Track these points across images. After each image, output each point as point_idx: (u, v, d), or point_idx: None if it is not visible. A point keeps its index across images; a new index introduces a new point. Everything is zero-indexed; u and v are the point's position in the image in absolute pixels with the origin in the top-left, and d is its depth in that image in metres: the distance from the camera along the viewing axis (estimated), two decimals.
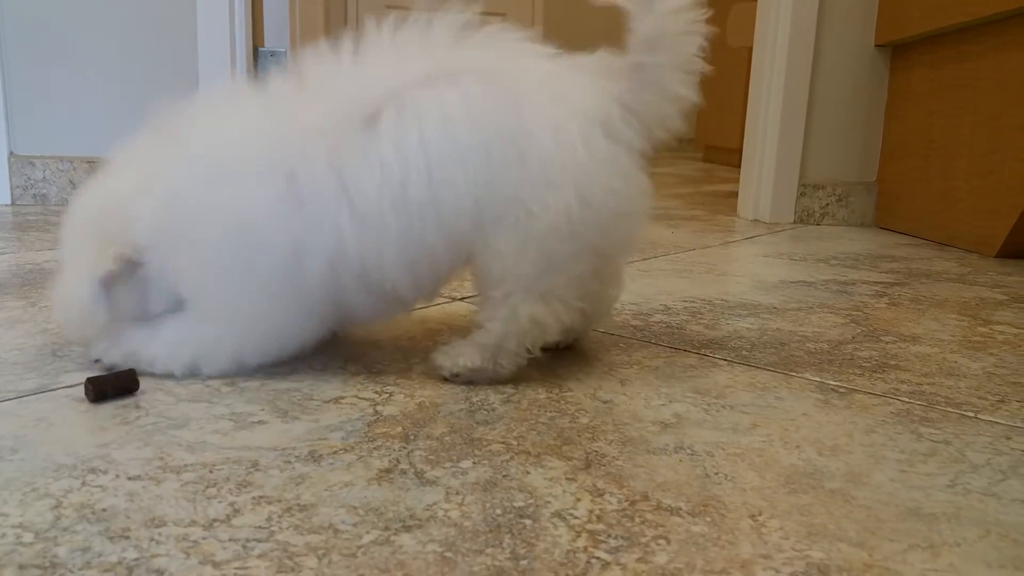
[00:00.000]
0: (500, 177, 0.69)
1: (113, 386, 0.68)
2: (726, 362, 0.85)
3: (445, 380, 0.76)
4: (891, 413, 0.72)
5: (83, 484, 0.54)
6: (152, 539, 0.47)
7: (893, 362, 0.87)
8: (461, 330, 0.93)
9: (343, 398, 0.71)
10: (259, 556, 0.46)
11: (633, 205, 0.74)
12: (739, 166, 2.19)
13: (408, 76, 0.71)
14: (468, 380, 0.75)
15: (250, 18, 1.84)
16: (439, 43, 0.73)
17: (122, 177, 0.76)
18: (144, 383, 0.72)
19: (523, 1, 4.75)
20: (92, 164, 1.82)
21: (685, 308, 1.08)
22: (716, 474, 0.58)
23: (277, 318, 0.75)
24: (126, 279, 0.73)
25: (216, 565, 0.45)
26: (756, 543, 0.49)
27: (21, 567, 0.44)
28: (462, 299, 1.08)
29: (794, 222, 2.00)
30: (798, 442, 0.64)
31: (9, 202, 1.82)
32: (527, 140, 0.69)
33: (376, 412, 0.68)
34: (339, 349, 0.85)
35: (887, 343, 0.94)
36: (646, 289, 1.19)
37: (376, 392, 0.73)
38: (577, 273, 0.73)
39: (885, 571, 0.46)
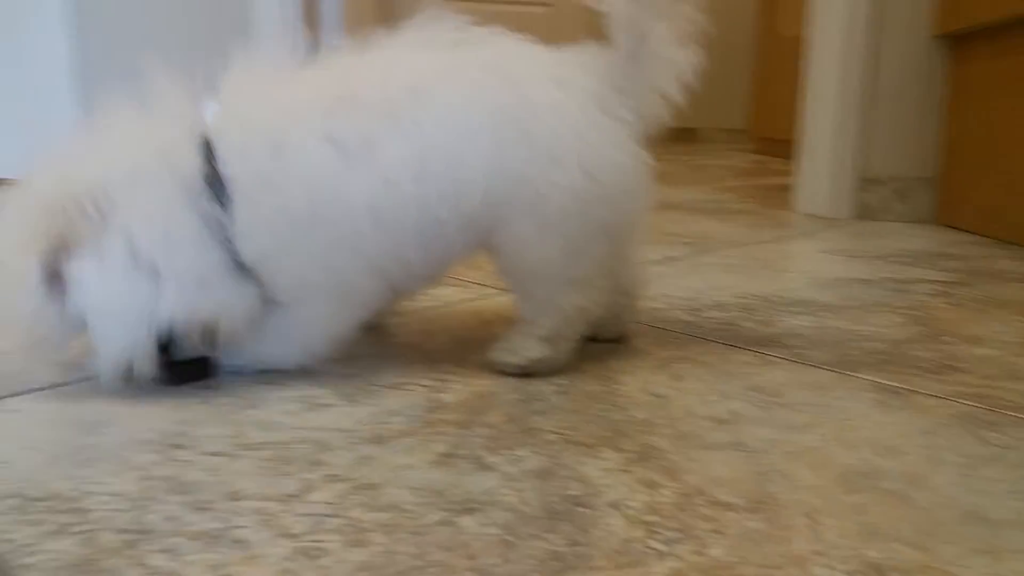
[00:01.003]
0: (506, 154, 0.72)
1: (186, 372, 0.71)
2: (782, 360, 0.85)
3: (505, 374, 0.78)
4: (951, 415, 0.71)
5: (167, 458, 0.57)
6: (232, 511, 0.50)
7: (954, 363, 0.86)
8: (515, 321, 0.94)
9: (403, 385, 0.73)
10: (331, 530, 0.48)
11: (637, 179, 0.76)
12: (793, 158, 2.17)
13: (423, 71, 0.74)
14: (531, 372, 0.77)
15: (304, 18, 1.88)
16: (447, 43, 0.76)
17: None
18: None
19: None
20: None
21: (738, 304, 1.08)
22: (771, 471, 0.59)
23: (355, 281, 0.73)
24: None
25: (292, 537, 0.47)
26: (811, 540, 0.50)
27: (118, 531, 0.47)
28: None
29: (851, 217, 1.98)
30: (855, 442, 0.65)
31: None
32: (530, 117, 0.72)
33: (434, 399, 0.70)
34: (396, 338, 0.87)
35: (948, 344, 0.93)
36: (698, 284, 1.19)
37: (434, 380, 0.75)
38: (598, 255, 0.76)
39: (944, 574, 0.47)
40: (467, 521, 0.50)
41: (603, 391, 0.74)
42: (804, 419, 0.69)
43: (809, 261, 1.42)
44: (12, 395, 0.68)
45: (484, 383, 0.74)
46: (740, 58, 4.87)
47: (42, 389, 0.69)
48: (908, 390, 0.78)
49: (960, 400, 0.75)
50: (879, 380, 0.80)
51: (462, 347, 0.85)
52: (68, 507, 0.50)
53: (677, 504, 0.53)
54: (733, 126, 5.15)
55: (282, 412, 0.66)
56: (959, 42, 1.91)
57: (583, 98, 0.75)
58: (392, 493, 0.53)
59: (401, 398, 0.70)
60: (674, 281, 1.20)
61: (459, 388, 0.73)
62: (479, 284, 1.11)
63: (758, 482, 0.57)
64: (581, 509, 0.52)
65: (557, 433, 0.64)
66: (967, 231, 1.86)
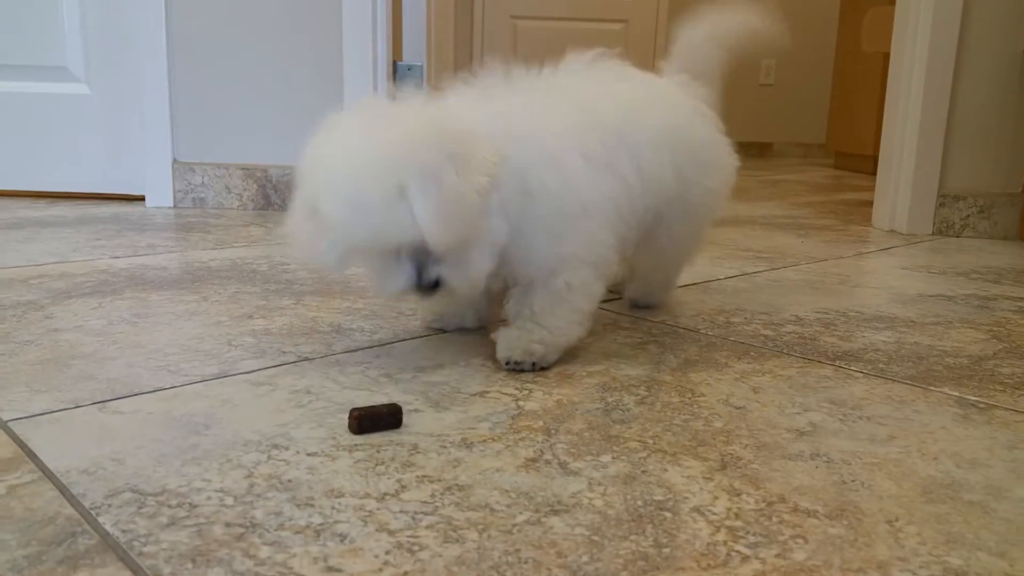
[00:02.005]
0: (680, 162, 0.92)
1: (376, 422, 0.66)
2: (862, 374, 0.85)
3: (581, 377, 0.80)
4: None
5: (269, 458, 0.61)
6: (333, 507, 0.53)
7: None
8: (591, 333, 0.96)
9: (487, 392, 0.76)
10: (427, 527, 0.51)
11: (731, 182, 1.03)
12: (872, 173, 2.13)
13: (626, 99, 0.92)
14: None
15: (390, 35, 1.93)
16: (613, 75, 0.95)
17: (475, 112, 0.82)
18: (309, 368, 0.79)
19: (647, 9, 4.75)
20: (245, 170, 1.96)
21: (818, 319, 1.08)
22: (852, 481, 0.60)
23: (607, 254, 0.88)
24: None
25: (391, 533, 0.50)
26: (893, 546, 0.50)
27: (227, 525, 0.51)
28: None
29: (932, 234, 1.94)
30: (936, 454, 0.65)
31: (171, 205, 1.98)
32: (691, 133, 0.95)
33: (518, 406, 0.73)
34: (478, 348, 0.90)
35: None
36: (777, 299, 1.19)
37: (516, 388, 0.78)
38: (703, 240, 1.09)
39: None
40: (555, 522, 0.52)
41: (683, 402, 0.75)
42: (885, 432, 0.69)
43: (889, 277, 1.40)
44: (117, 398, 0.73)
45: (565, 392, 0.77)
46: (818, 73, 4.81)
47: (143, 393, 0.74)
48: (990, 405, 0.77)
49: None
50: (961, 395, 0.79)
51: None
52: (179, 502, 0.54)
53: (760, 511, 0.55)
54: (809, 140, 5.08)
55: None
56: None
57: (708, 117, 0.99)
58: (482, 494, 0.56)
59: (486, 405, 0.73)
60: (752, 296, 1.20)
61: (541, 396, 0.75)
62: None
63: (839, 491, 0.58)
64: (665, 513, 0.54)
65: (639, 441, 0.66)
66: None
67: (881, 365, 0.88)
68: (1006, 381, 0.84)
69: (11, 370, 0.79)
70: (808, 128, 5.02)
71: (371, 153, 0.72)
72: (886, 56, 2.04)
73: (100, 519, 0.52)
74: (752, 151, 5.01)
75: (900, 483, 0.59)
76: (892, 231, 1.97)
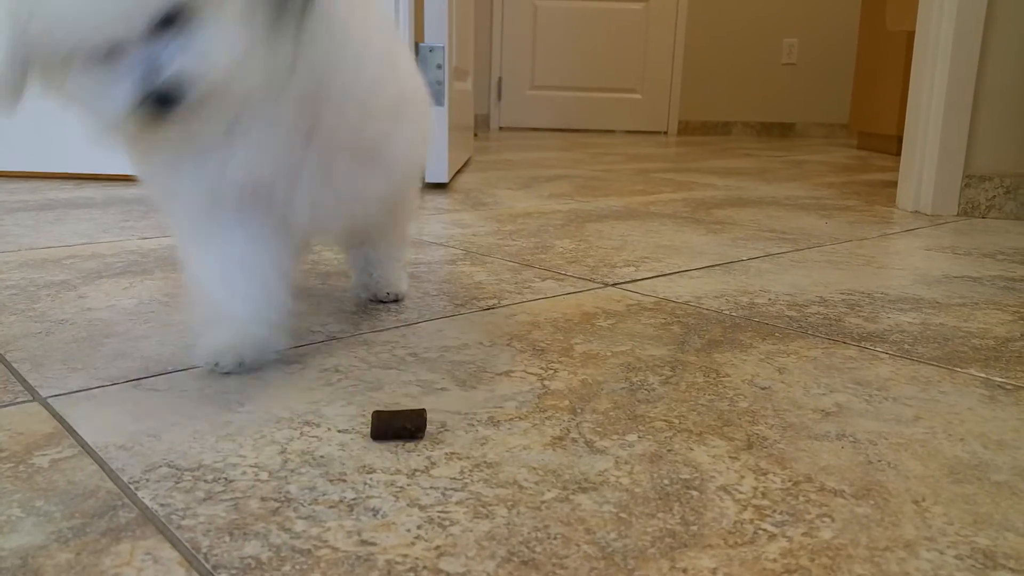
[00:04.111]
0: None
1: (396, 428, 0.62)
2: (887, 355, 0.85)
3: (583, 356, 0.80)
4: None
5: (301, 434, 0.62)
6: (365, 483, 0.54)
7: None
8: (615, 314, 0.97)
9: (513, 372, 0.77)
10: (457, 503, 0.52)
11: None
12: (896, 153, 2.11)
13: None
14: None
15: (413, 18, 1.94)
16: None
17: None
18: (338, 348, 0.80)
19: None
20: None
21: (843, 300, 1.08)
22: (879, 461, 0.60)
23: None
24: None
25: (422, 508, 0.51)
26: (920, 526, 0.51)
27: (263, 499, 0.52)
28: (614, 285, 1.12)
29: (957, 214, 1.92)
30: (962, 435, 0.65)
31: None
32: None
33: (544, 386, 0.74)
34: (503, 328, 0.91)
35: None
36: (801, 280, 1.19)
37: (542, 368, 0.78)
38: None
39: None
40: (583, 499, 0.53)
41: (708, 382, 0.76)
42: (911, 412, 0.69)
43: (914, 258, 1.40)
44: (151, 375, 0.74)
45: (590, 372, 0.77)
46: (841, 52, 4.75)
47: (177, 371, 0.76)
48: (1017, 387, 0.77)
49: None
50: (987, 376, 0.79)
51: (566, 337, 0.88)
52: (215, 477, 0.56)
53: (786, 490, 0.55)
54: (832, 120, 5.03)
55: (402, 395, 0.70)
56: None
57: None
58: (510, 471, 0.57)
59: (512, 384, 0.73)
60: (776, 277, 1.20)
61: (566, 376, 0.76)
62: (577, 278, 1.14)
63: (865, 471, 0.58)
64: (692, 492, 0.55)
65: (664, 421, 0.66)
66: None
67: (906, 346, 0.88)
68: None
69: (48, 348, 0.80)
70: (831, 108, 4.97)
71: None
72: (911, 35, 2.02)
73: (139, 493, 0.53)
74: (774, 131, 4.97)
75: (926, 463, 0.60)
76: (917, 212, 1.95)
